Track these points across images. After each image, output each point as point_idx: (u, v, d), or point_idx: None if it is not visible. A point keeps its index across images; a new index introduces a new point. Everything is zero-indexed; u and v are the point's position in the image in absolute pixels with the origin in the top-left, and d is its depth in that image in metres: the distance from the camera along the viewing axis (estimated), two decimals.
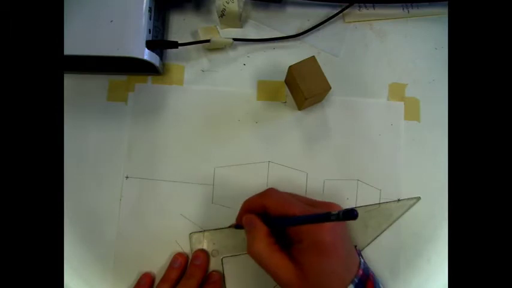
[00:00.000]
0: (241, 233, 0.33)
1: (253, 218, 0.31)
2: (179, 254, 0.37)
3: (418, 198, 0.37)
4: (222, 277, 0.36)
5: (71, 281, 0.36)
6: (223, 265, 0.37)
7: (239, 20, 0.40)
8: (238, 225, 0.34)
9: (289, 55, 0.40)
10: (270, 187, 0.33)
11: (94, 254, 0.37)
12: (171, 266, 0.36)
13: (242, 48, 0.40)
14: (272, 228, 0.30)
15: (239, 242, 0.37)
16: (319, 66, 0.35)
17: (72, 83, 0.39)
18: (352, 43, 0.41)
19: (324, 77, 0.35)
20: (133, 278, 0.36)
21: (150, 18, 0.36)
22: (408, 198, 0.37)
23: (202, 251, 0.37)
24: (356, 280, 0.28)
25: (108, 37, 0.34)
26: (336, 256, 0.28)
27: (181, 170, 0.38)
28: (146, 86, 0.39)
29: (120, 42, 0.34)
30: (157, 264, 0.37)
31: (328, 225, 0.28)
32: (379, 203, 0.38)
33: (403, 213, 0.37)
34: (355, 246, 0.35)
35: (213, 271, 0.37)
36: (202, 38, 0.39)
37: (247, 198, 0.33)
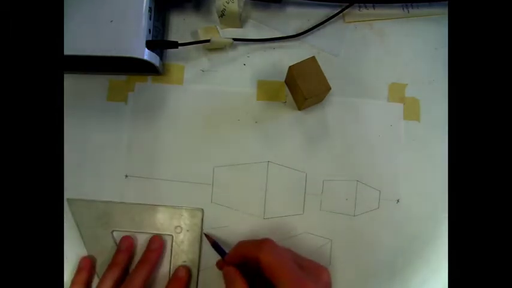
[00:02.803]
0: None
1: (234, 272, 0.30)
2: (125, 237, 0.36)
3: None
4: (189, 274, 0.36)
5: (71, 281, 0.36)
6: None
7: (239, 20, 0.40)
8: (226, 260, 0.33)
9: (289, 55, 0.40)
10: (268, 239, 0.30)
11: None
12: (118, 249, 0.36)
13: (242, 48, 0.40)
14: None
15: None
16: (319, 66, 0.35)
17: (72, 83, 0.39)
18: (352, 43, 0.41)
19: (324, 77, 0.35)
20: None
21: (150, 18, 0.36)
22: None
23: (159, 236, 0.37)
24: None
25: (108, 37, 0.34)
26: None
27: (180, 169, 0.38)
28: (146, 85, 0.39)
29: (120, 42, 0.34)
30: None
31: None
32: None
33: None
34: None
35: (181, 266, 0.36)
36: (202, 38, 0.39)
37: (243, 240, 0.32)
